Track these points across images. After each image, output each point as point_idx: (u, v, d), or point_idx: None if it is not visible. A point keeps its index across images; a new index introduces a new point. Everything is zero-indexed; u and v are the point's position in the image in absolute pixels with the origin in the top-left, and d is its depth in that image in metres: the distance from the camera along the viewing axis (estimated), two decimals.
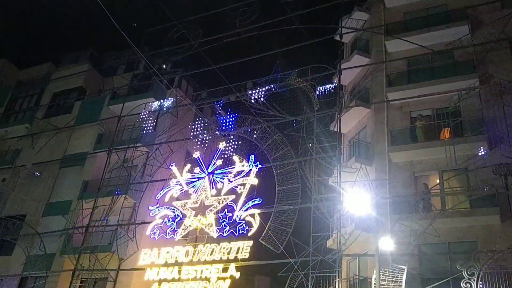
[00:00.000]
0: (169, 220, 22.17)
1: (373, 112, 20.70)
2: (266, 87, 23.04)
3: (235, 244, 19.68)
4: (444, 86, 19.41)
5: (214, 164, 22.96)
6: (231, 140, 23.76)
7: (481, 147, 17.46)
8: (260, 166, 21.56)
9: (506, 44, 19.64)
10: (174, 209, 22.47)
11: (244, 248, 19.43)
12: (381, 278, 15.27)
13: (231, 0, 24.35)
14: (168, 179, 23.55)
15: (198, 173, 23.05)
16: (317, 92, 21.88)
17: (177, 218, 22.15)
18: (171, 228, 21.82)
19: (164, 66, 27.55)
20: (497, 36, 19.54)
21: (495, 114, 18.06)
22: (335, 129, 21.32)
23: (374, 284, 15.46)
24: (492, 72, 19.29)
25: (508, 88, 18.29)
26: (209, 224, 21.08)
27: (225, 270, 19.39)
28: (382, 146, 19.57)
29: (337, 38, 23.46)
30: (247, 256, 19.24)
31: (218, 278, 19.32)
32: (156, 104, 26.40)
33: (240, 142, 23.74)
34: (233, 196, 21.27)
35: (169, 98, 26.70)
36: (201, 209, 21.71)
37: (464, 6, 21.26)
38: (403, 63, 21.39)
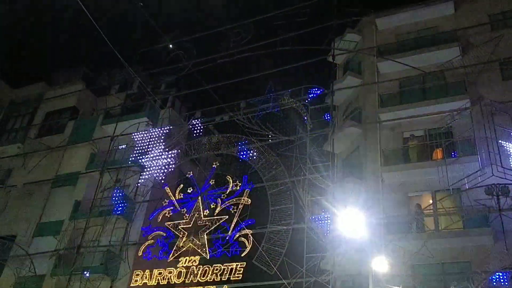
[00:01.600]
0: (161, 241, 21.98)
1: (366, 133, 20.82)
2: (260, 107, 23.15)
3: (228, 265, 19.52)
4: (435, 107, 19.62)
5: (207, 184, 22.90)
6: (224, 160, 23.77)
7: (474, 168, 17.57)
8: (253, 186, 21.53)
9: (496, 66, 19.93)
10: (166, 230, 22.29)
11: (237, 269, 19.28)
12: None
13: (226, 21, 24.60)
14: (161, 199, 23.43)
15: (191, 193, 22.95)
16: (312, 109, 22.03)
17: (169, 238, 21.97)
18: (164, 249, 21.62)
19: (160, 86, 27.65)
20: (487, 57, 19.84)
21: (486, 134, 18.22)
22: (328, 149, 21.40)
23: None
24: (483, 93, 19.51)
25: (499, 109, 18.49)
26: (201, 244, 20.92)
27: None
28: (375, 166, 19.63)
29: (330, 59, 23.70)
30: (240, 277, 19.07)
31: None
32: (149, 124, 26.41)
33: (233, 162, 23.75)
34: (226, 217, 21.17)
35: (162, 118, 26.72)
36: (194, 230, 21.56)
37: (454, 29, 21.64)
38: (395, 84, 21.62)
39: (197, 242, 21.03)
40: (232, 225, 20.69)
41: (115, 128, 26.46)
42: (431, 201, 18.36)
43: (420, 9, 23.16)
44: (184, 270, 20.31)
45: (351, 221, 14.76)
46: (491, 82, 19.81)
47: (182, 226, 21.97)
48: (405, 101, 20.78)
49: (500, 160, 17.36)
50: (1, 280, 24.42)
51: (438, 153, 18.87)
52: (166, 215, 22.88)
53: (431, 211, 18.10)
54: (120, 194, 23.86)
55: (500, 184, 16.75)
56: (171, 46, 23.23)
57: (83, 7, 11.87)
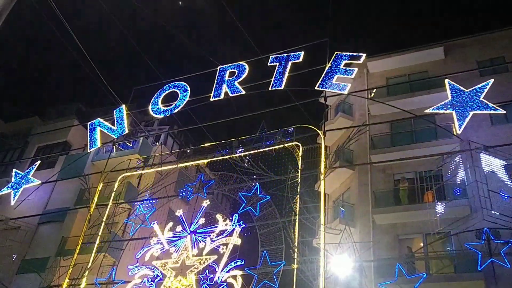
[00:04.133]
0: (148, 280, 21.49)
1: (357, 174, 20.88)
2: (253, 146, 23.19)
3: None
4: (426, 150, 19.77)
5: (196, 222, 22.63)
6: (215, 199, 23.59)
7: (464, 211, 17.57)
8: (243, 225, 21.29)
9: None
10: (154, 269, 21.82)
11: None
12: None
13: (219, 61, 24.92)
14: (149, 237, 23.08)
15: (180, 232, 22.64)
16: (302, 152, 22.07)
17: (156, 278, 21.50)
18: None
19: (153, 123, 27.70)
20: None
21: (476, 177, 18.32)
22: (319, 190, 21.35)
23: None
24: (472, 137, 19.71)
25: (488, 153, 18.67)
26: (189, 285, 20.48)
27: None
28: (366, 207, 19.60)
29: (322, 100, 23.97)
30: None
31: None
32: (140, 160, 26.33)
33: (224, 201, 23.57)
34: (215, 257, 20.80)
35: (154, 155, 26.67)
36: (182, 270, 21.15)
37: (444, 73, 22.06)
38: (386, 126, 21.85)
39: (185, 282, 20.60)
40: (221, 266, 20.34)
41: (106, 165, 26.32)
42: (422, 244, 18.25)
43: (410, 54, 23.72)
44: None
45: (342, 264, 14.60)
46: (480, 127, 20.08)
47: (170, 265, 21.56)
48: (396, 143, 20.99)
49: (491, 204, 17.41)
50: None
51: (429, 196, 18.89)
52: (154, 254, 22.48)
53: (422, 254, 17.96)
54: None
55: (491, 228, 16.73)
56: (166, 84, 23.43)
57: (79, 45, 12.02)
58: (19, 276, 24.67)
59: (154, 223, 23.22)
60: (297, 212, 19.57)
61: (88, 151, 21.81)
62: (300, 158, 21.74)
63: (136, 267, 22.11)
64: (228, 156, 23.31)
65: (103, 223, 24.06)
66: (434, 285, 16.68)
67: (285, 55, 19.41)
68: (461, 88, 12.47)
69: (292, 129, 22.83)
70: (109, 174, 26.01)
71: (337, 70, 17.51)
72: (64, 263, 23.37)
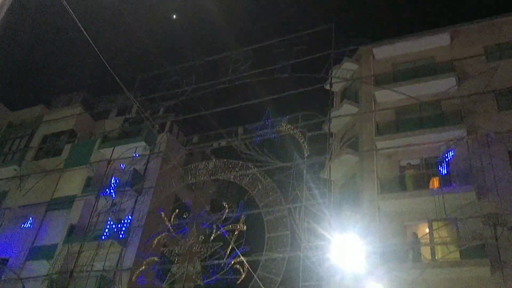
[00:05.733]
0: (155, 267, 21.72)
1: (362, 160, 20.85)
2: (258, 133, 23.20)
3: None
4: (432, 136, 19.70)
5: (203, 209, 22.78)
6: (221, 186, 23.68)
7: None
8: (249, 212, 21.41)
9: (492, 96, 20.11)
10: (161, 256, 22.07)
11: None
12: None
13: (225, 48, 24.89)
14: (156, 224, 23.25)
15: (186, 219, 22.80)
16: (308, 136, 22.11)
17: (164, 264, 21.73)
18: (158, 275, 21.35)
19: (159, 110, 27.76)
20: (483, 88, 20.04)
21: (482, 164, 18.27)
22: (325, 176, 21.40)
23: None
24: (479, 123, 19.66)
25: (494, 139, 18.59)
26: (196, 271, 20.68)
27: None
28: (371, 194, 19.60)
29: (327, 87, 23.91)
30: None
31: None
32: (146, 148, 26.44)
33: (229, 188, 23.66)
34: (221, 243, 20.99)
35: (160, 142, 26.78)
36: (189, 256, 21.34)
37: (451, 59, 21.92)
38: (392, 113, 21.76)
39: (192, 268, 20.79)
40: (228, 252, 20.49)
41: (112, 152, 26.46)
42: (427, 230, 18.27)
43: (416, 39, 23.50)
44: None
45: (347, 250, 14.67)
46: (487, 112, 19.96)
47: (176, 252, 21.75)
48: (402, 129, 20.89)
49: (497, 190, 17.38)
50: None
51: (435, 182, 18.86)
52: (161, 241, 22.68)
53: (428, 240, 17.99)
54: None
55: (497, 213, 16.74)
56: (171, 72, 23.47)
57: (84, 33, 12.01)
58: (28, 262, 24.95)
59: (161, 211, 23.43)
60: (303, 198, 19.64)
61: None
62: (305, 145, 21.77)
63: (144, 254, 22.34)
64: (233, 144, 23.37)
65: (110, 211, 24.29)
66: (440, 270, 16.72)
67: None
68: None
69: (297, 116, 22.82)
70: (115, 161, 26.18)
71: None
72: (72, 250, 23.64)
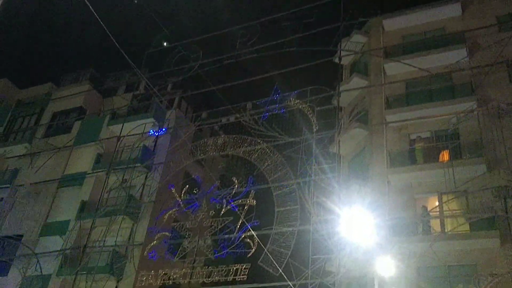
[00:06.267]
0: (167, 242, 22.01)
1: (372, 134, 20.75)
2: (266, 108, 23.13)
3: (233, 266, 19.51)
4: (442, 109, 19.51)
5: (213, 184, 22.92)
6: (230, 161, 23.75)
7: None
8: (258, 187, 21.51)
9: (504, 67, 19.80)
10: (172, 230, 22.33)
11: (242, 270, 19.26)
12: None
13: (232, 23, 24.63)
14: (167, 199, 23.47)
15: (196, 194, 22.98)
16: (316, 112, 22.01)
17: (175, 239, 22.00)
18: (169, 249, 21.65)
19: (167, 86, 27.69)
20: (495, 59, 19.71)
21: (493, 136, 18.11)
22: (334, 151, 21.36)
23: None
24: (490, 94, 19.40)
25: (506, 110, 18.38)
26: (207, 245, 20.93)
27: None
28: (381, 168, 19.55)
29: (336, 60, 23.65)
30: (245, 279, 19.06)
31: None
32: (155, 124, 26.51)
33: (239, 163, 23.71)
34: (231, 218, 21.17)
35: (169, 119, 26.82)
36: (199, 231, 21.59)
37: (462, 30, 21.52)
38: (402, 86, 21.53)
39: (203, 243, 21.04)
40: (238, 226, 20.68)
41: (122, 129, 26.56)
42: (437, 203, 18.26)
43: (427, 10, 23.06)
44: (189, 271, 20.32)
45: (357, 223, 14.72)
46: (499, 83, 19.68)
47: (187, 227, 22.00)
48: (412, 102, 20.69)
49: (508, 162, 17.26)
50: (8, 279, 24.57)
51: (445, 155, 18.76)
52: (172, 215, 22.92)
53: (438, 213, 18.00)
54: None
55: (508, 186, 16.67)
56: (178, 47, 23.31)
57: (91, 9, 11.91)
58: (42, 238, 25.38)
59: (171, 186, 23.62)
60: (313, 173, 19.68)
61: None
62: (314, 119, 21.69)
63: (155, 229, 22.63)
64: (242, 119, 23.34)
65: (121, 187, 24.54)
66: (449, 243, 16.77)
67: None
68: None
69: (306, 90, 22.68)
70: (125, 138, 26.31)
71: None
72: (84, 225, 23.99)
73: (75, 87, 31.52)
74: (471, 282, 14.96)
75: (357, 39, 24.13)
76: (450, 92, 20.38)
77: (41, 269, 23.30)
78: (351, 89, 22.81)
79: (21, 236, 26.00)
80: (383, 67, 22.09)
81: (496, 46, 19.98)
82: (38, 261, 23.53)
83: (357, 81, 22.75)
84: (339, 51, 23.48)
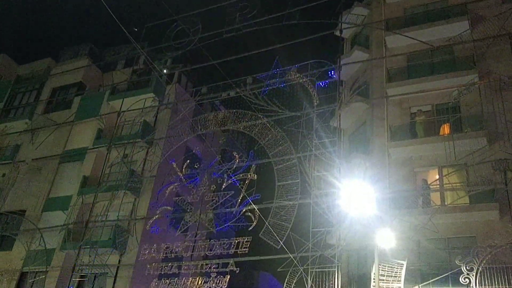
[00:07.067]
0: (169, 216, 22.20)
1: (373, 108, 20.69)
2: (267, 82, 23.01)
3: (234, 240, 19.72)
4: (443, 82, 19.41)
5: (213, 159, 22.98)
6: (231, 136, 23.74)
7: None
8: (259, 161, 21.57)
9: (506, 40, 19.61)
10: (174, 205, 22.50)
11: (243, 243, 19.47)
12: (380, 273, 15.30)
13: None
14: (168, 174, 23.57)
15: (197, 169, 23.07)
16: (318, 86, 21.89)
17: (177, 213, 22.19)
18: (171, 223, 21.85)
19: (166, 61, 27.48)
20: (497, 31, 19.52)
21: (494, 109, 18.07)
22: (335, 125, 21.34)
23: (373, 279, 15.50)
24: (492, 67, 19.27)
25: (507, 83, 18.29)
26: (208, 219, 21.12)
27: (224, 265, 19.44)
28: (381, 141, 19.57)
29: (337, 33, 23.44)
30: (246, 252, 19.28)
31: (218, 273, 19.36)
32: (156, 99, 26.43)
33: (239, 138, 23.72)
34: (233, 192, 21.30)
35: (169, 93, 26.72)
36: (201, 205, 21.75)
37: (464, 2, 21.23)
38: (403, 59, 21.38)
39: (204, 216, 21.22)
40: (239, 200, 20.83)
41: (122, 104, 26.50)
42: (437, 176, 18.34)
43: None
44: (191, 244, 20.55)
45: (357, 196, 14.78)
46: (500, 56, 19.52)
47: (189, 201, 22.16)
48: (413, 75, 20.57)
49: (508, 135, 17.27)
50: (12, 253, 24.89)
51: (446, 128, 18.77)
52: (174, 190, 23.06)
53: (438, 186, 18.09)
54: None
55: (508, 159, 16.71)
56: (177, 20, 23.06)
57: None
58: (45, 213, 25.60)
59: (172, 161, 23.69)
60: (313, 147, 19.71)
61: None
62: (315, 93, 21.60)
63: (157, 203, 22.80)
64: (242, 94, 23.24)
65: (122, 162, 24.62)
66: (449, 215, 16.90)
67: None
68: None
69: (306, 64, 22.53)
70: (125, 113, 26.28)
71: None
72: (86, 200, 24.17)
73: (74, 62, 31.33)
74: (470, 254, 15.12)
75: (358, 12, 23.86)
76: (451, 65, 20.23)
77: (44, 243, 23.57)
78: (352, 62, 22.66)
79: (24, 211, 26.22)
80: (385, 40, 21.90)
81: (499, 18, 19.75)
82: (42, 236, 23.78)
83: (358, 54, 22.58)
84: (340, 24, 23.25)
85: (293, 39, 23.12)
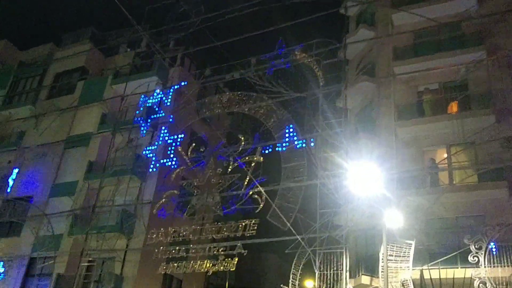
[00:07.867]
0: (175, 200, 22.17)
1: (379, 87, 20.46)
2: (272, 63, 22.68)
3: (241, 222, 19.68)
4: (451, 59, 19.14)
5: (219, 142, 22.82)
6: (236, 118, 23.56)
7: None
8: (265, 143, 21.40)
9: None
10: (180, 188, 22.45)
11: (251, 226, 19.43)
12: (388, 253, 15.25)
13: None
14: (174, 158, 23.45)
15: (203, 152, 22.93)
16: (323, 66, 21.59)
17: (183, 197, 22.15)
18: (178, 207, 21.83)
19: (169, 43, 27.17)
20: (504, 7, 19.14)
21: (503, 86, 17.81)
22: (341, 105, 21.12)
23: (382, 259, 15.46)
24: (500, 44, 18.96)
25: None
26: (215, 202, 21.07)
27: (232, 248, 19.43)
28: (388, 121, 19.38)
29: (342, 11, 23.07)
30: (254, 234, 19.25)
31: (226, 256, 19.38)
32: (159, 82, 26.23)
33: (244, 120, 23.52)
34: (239, 174, 21.19)
35: (173, 77, 26.48)
36: (208, 188, 21.67)
37: None
38: (410, 36, 21.05)
39: (211, 200, 21.17)
40: (245, 183, 20.72)
41: (125, 88, 26.30)
42: (445, 155, 18.17)
43: None
44: (199, 228, 20.55)
45: (364, 177, 14.64)
46: (509, 32, 19.19)
47: (195, 184, 22.08)
48: (420, 53, 20.26)
49: None
50: (20, 239, 25.02)
51: (453, 107, 18.54)
52: (180, 174, 22.97)
53: (446, 165, 17.94)
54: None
55: None
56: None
57: None
58: (51, 199, 25.64)
59: (177, 145, 23.55)
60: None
61: None
62: (320, 73, 21.31)
63: (163, 187, 22.75)
64: (246, 75, 22.98)
65: (127, 146, 24.53)
66: (458, 194, 16.80)
67: None
68: None
69: (311, 44, 22.17)
70: (129, 97, 26.07)
71: None
72: (93, 186, 24.16)
73: (76, 46, 31.02)
74: (478, 233, 15.04)
75: None
76: (459, 42, 19.93)
77: (52, 229, 23.65)
78: (357, 41, 22.32)
79: (31, 197, 26.27)
80: (391, 18, 21.54)
81: None
82: (49, 221, 23.85)
83: (363, 33, 22.23)
84: (345, 2, 22.87)
85: (297, 19, 22.75)
